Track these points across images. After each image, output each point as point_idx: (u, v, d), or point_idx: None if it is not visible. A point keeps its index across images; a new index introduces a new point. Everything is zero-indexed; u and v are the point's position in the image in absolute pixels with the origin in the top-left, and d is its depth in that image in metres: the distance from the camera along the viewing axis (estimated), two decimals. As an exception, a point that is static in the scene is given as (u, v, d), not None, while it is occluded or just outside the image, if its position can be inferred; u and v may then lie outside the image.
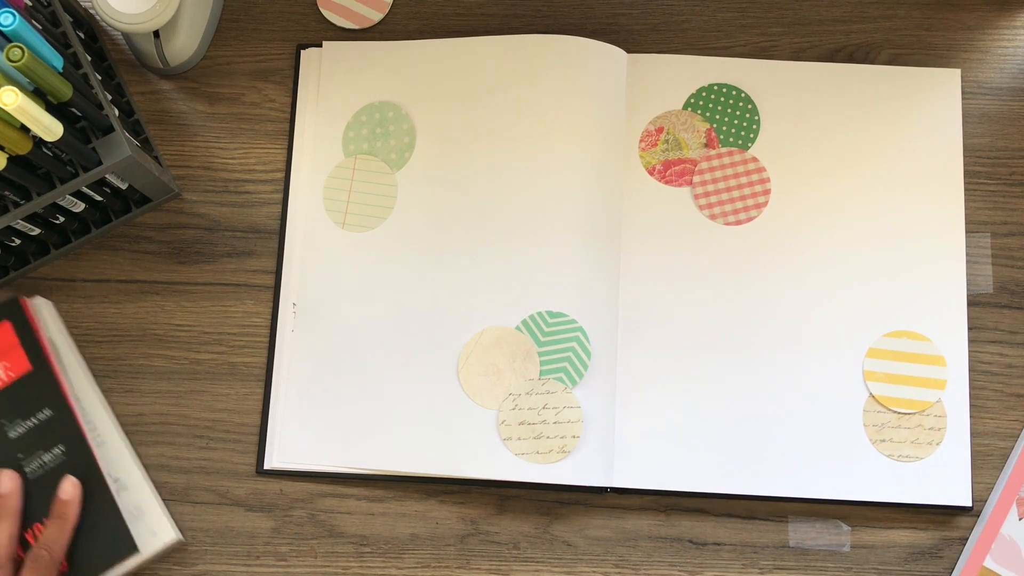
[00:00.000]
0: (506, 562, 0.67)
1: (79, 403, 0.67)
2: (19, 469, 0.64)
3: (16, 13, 0.57)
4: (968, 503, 0.66)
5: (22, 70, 0.56)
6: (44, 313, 0.69)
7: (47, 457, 0.64)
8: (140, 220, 0.72)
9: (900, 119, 0.72)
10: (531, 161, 0.69)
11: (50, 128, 0.58)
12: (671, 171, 0.71)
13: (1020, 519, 0.65)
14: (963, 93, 0.73)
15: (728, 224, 0.70)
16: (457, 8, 0.75)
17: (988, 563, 0.65)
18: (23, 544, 0.63)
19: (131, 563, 0.64)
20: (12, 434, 0.64)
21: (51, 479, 0.64)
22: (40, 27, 0.64)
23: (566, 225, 0.68)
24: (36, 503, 0.63)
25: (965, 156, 0.72)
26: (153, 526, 0.65)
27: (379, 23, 0.74)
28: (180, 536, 0.66)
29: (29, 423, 0.64)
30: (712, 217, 0.71)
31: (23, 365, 0.65)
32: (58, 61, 0.61)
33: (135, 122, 0.72)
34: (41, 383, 0.65)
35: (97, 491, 0.64)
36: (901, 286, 0.69)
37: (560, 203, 0.69)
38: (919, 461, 0.67)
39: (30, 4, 0.65)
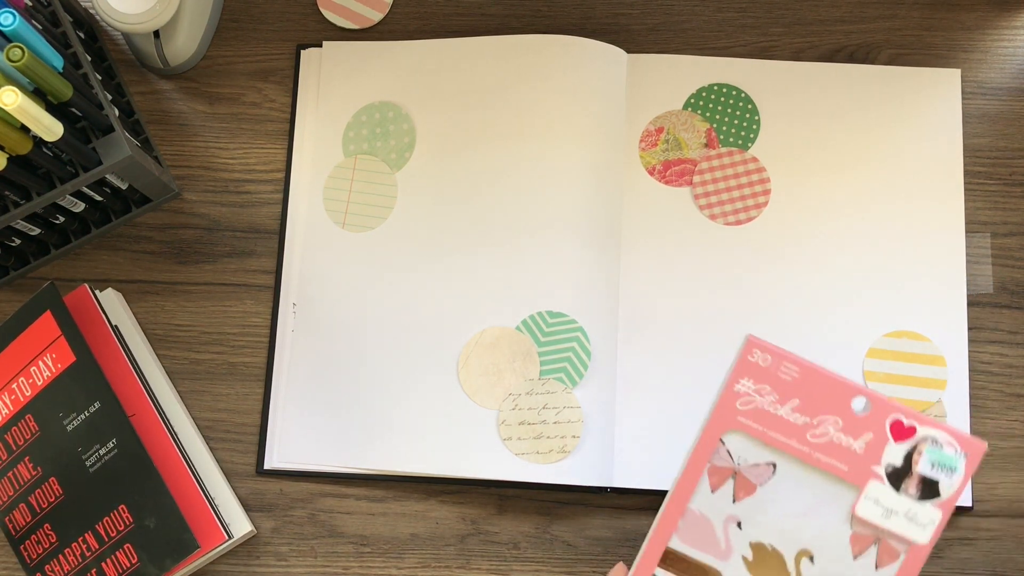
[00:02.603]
0: (506, 562, 0.67)
1: (156, 400, 0.66)
2: (80, 463, 0.63)
3: (16, 13, 0.57)
4: (968, 503, 0.66)
5: (22, 70, 0.56)
6: (116, 306, 0.69)
7: (103, 451, 0.63)
8: (140, 220, 0.72)
9: (900, 119, 0.72)
10: (531, 161, 0.69)
11: (50, 128, 0.58)
12: (671, 171, 0.71)
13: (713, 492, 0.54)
14: (963, 93, 0.73)
15: (728, 224, 0.70)
16: (457, 8, 0.75)
17: (674, 543, 0.54)
18: (95, 538, 0.63)
19: (209, 555, 0.64)
20: (69, 427, 0.64)
21: (109, 472, 0.63)
22: (40, 27, 0.64)
23: (566, 225, 0.68)
24: (99, 498, 0.63)
25: (965, 156, 0.72)
26: (228, 518, 0.65)
27: (379, 23, 0.74)
28: (254, 528, 0.66)
29: (83, 416, 0.64)
30: (712, 217, 0.70)
31: (68, 356, 0.64)
32: (58, 61, 0.61)
33: (135, 122, 0.72)
34: (87, 374, 0.64)
35: (149, 484, 0.62)
36: (901, 286, 0.69)
37: (560, 203, 0.69)
38: (919, 461, 0.67)
39: (30, 4, 0.65)
